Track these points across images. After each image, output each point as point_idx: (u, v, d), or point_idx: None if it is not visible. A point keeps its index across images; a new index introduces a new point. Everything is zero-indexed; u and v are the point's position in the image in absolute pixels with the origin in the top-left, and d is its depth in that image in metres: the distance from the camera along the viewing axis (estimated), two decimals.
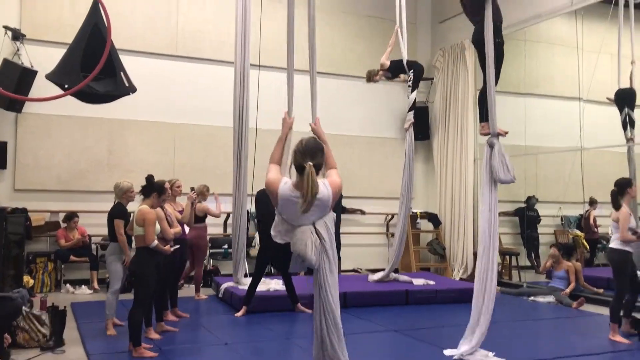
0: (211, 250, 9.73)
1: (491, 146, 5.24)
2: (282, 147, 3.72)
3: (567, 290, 8.19)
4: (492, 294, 5.06)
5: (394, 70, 8.30)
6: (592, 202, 9.82)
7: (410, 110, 8.24)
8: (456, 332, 5.26)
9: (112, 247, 5.99)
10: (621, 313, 6.12)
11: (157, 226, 5.38)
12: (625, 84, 7.94)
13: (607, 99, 7.14)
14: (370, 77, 8.41)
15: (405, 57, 8.28)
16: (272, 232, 3.55)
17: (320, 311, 3.53)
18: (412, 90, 8.13)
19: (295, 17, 4.17)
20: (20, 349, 5.20)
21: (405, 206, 8.36)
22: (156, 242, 5.24)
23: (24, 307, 5.41)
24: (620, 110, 7.97)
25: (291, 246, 3.41)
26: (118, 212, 5.96)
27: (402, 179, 8.35)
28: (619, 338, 5.93)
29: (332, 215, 3.53)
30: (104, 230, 6.26)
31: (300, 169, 3.35)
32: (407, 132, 8.35)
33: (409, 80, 8.15)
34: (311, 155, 3.36)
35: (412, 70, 8.15)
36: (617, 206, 6.08)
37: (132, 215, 5.63)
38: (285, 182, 3.43)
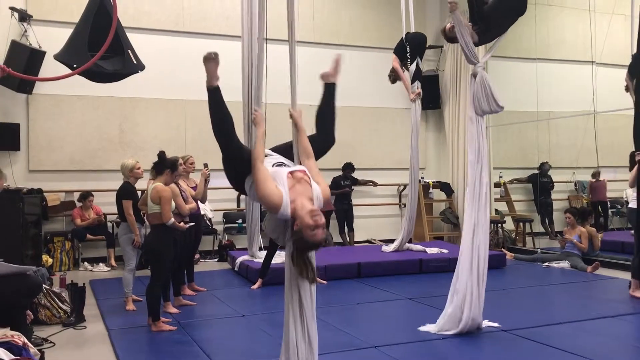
0: (226, 225, 9.82)
1: (474, 75, 5.03)
2: (263, 144, 3.37)
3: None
4: (484, 267, 5.00)
5: (401, 55, 8.24)
6: (595, 175, 9.84)
7: (413, 81, 8.17)
8: None
9: (123, 227, 6.06)
10: None
11: (172, 203, 5.43)
12: None
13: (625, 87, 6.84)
14: (394, 80, 8.44)
15: (404, 32, 8.23)
16: (272, 235, 3.42)
17: (295, 317, 3.25)
18: (411, 62, 8.06)
19: None
20: (43, 325, 5.32)
21: (414, 177, 8.39)
22: (173, 219, 5.29)
23: (44, 285, 5.52)
24: (632, 79, 7.78)
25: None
26: (125, 192, 6.01)
27: (410, 150, 8.36)
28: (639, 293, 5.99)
29: None
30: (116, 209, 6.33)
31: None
32: (413, 103, 8.29)
33: (407, 53, 8.10)
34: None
35: (408, 43, 8.13)
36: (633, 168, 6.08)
37: (143, 193, 5.68)
38: (286, 203, 3.09)
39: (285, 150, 3.50)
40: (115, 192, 6.15)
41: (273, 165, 3.29)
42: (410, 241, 8.94)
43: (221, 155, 3.40)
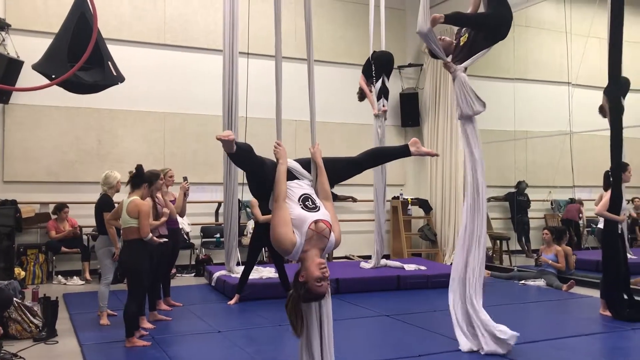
0: (203, 239, 9.74)
1: (454, 79, 5.06)
2: (285, 181, 3.32)
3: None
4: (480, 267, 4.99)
5: (367, 74, 8.40)
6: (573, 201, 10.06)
7: (379, 97, 8.29)
8: (447, 317, 5.30)
9: (101, 240, 5.98)
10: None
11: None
12: None
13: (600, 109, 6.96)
14: (362, 98, 8.62)
15: (371, 50, 8.42)
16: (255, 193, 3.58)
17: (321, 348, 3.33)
18: (376, 80, 8.20)
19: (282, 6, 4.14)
20: (13, 340, 5.19)
21: (378, 194, 8.50)
22: (150, 234, 5.22)
23: (15, 299, 5.40)
24: None
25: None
26: (105, 205, 5.95)
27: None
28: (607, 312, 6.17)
29: None
30: (95, 221, 6.25)
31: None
32: (376, 118, 8.35)
33: (373, 71, 8.22)
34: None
35: (373, 62, 8.30)
36: (606, 188, 6.18)
37: (118, 206, 5.60)
38: (297, 251, 3.15)
39: (307, 165, 3.53)
40: (94, 204, 6.07)
41: (299, 200, 3.28)
42: (388, 257, 8.96)
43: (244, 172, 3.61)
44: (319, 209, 3.28)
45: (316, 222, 3.19)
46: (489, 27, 5.01)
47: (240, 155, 3.37)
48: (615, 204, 6.11)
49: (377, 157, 3.87)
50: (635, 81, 7.31)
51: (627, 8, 6.24)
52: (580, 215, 9.93)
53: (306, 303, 3.20)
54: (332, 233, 3.25)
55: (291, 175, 3.42)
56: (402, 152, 3.80)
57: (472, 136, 5.06)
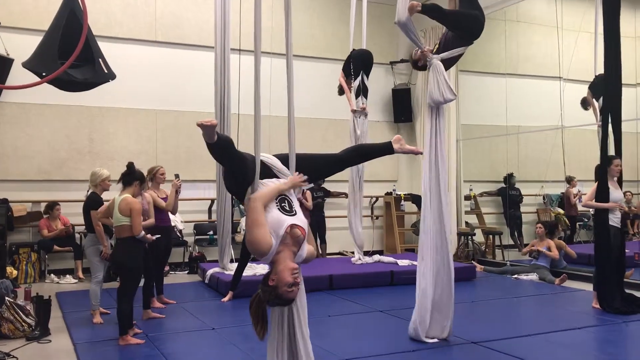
0: (197, 237, 9.73)
1: (429, 67, 5.14)
2: (274, 194, 3.16)
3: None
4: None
5: (346, 71, 8.43)
6: (570, 180, 9.96)
7: (357, 95, 8.31)
8: None
9: (90, 238, 5.96)
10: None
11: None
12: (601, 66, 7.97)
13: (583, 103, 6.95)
14: (341, 93, 8.62)
15: (351, 48, 8.45)
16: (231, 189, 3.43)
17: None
18: (354, 78, 8.26)
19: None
20: (6, 339, 5.17)
21: (354, 188, 8.50)
22: (143, 232, 5.20)
23: (7, 298, 5.38)
24: (597, 98, 7.94)
25: None
26: (93, 203, 5.92)
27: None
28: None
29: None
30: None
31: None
32: (353, 114, 8.35)
33: (352, 69, 8.29)
34: None
35: (352, 60, 8.33)
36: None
37: (109, 204, 5.57)
38: (271, 254, 3.02)
39: (284, 160, 3.40)
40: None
41: (277, 200, 3.14)
42: (381, 253, 8.97)
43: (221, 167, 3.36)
44: (295, 214, 3.16)
45: (292, 226, 3.07)
46: (461, 26, 5.10)
47: (221, 146, 3.16)
48: (601, 196, 6.21)
49: (360, 154, 3.78)
50: (628, 76, 7.35)
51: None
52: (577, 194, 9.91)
53: (270, 305, 3.10)
54: (305, 243, 3.16)
55: (270, 173, 3.28)
56: (385, 149, 3.70)
57: (440, 127, 5.21)
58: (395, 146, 3.67)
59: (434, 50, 5.21)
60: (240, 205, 9.17)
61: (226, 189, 3.45)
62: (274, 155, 3.41)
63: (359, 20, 8.49)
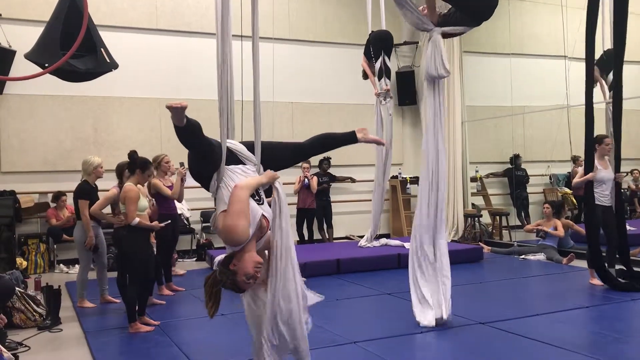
0: (204, 224, 9.76)
1: (430, 39, 5.08)
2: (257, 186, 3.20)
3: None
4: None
5: (367, 54, 8.33)
6: (576, 160, 9.90)
7: (380, 77, 8.24)
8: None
9: (78, 227, 6.03)
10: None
11: (144, 202, 5.35)
12: (608, 42, 7.88)
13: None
14: (366, 77, 8.55)
15: (369, 31, 8.34)
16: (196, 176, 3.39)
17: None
18: (376, 59, 8.15)
19: None
20: (18, 329, 5.23)
21: (380, 173, 8.48)
22: (137, 219, 5.21)
23: (18, 288, 5.42)
24: (607, 73, 7.87)
25: None
26: (82, 192, 5.98)
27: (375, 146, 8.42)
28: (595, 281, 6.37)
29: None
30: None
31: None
32: (377, 97, 8.30)
33: (372, 51, 8.19)
34: None
35: (371, 42, 8.23)
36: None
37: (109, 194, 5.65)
38: (245, 241, 3.04)
39: (250, 147, 3.41)
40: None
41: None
42: (388, 236, 8.99)
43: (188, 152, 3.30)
44: (263, 203, 3.19)
45: (262, 217, 3.11)
46: (469, 4, 4.97)
47: (189, 130, 3.12)
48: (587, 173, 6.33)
49: (324, 144, 3.74)
50: (634, 53, 7.27)
51: None
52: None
53: (223, 287, 3.14)
54: (266, 234, 3.19)
55: (236, 159, 3.28)
56: (349, 139, 3.71)
57: (438, 100, 5.14)
58: (359, 135, 3.71)
59: (440, 19, 5.09)
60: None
61: (191, 176, 3.41)
62: (240, 142, 3.43)
63: (375, 2, 8.41)
